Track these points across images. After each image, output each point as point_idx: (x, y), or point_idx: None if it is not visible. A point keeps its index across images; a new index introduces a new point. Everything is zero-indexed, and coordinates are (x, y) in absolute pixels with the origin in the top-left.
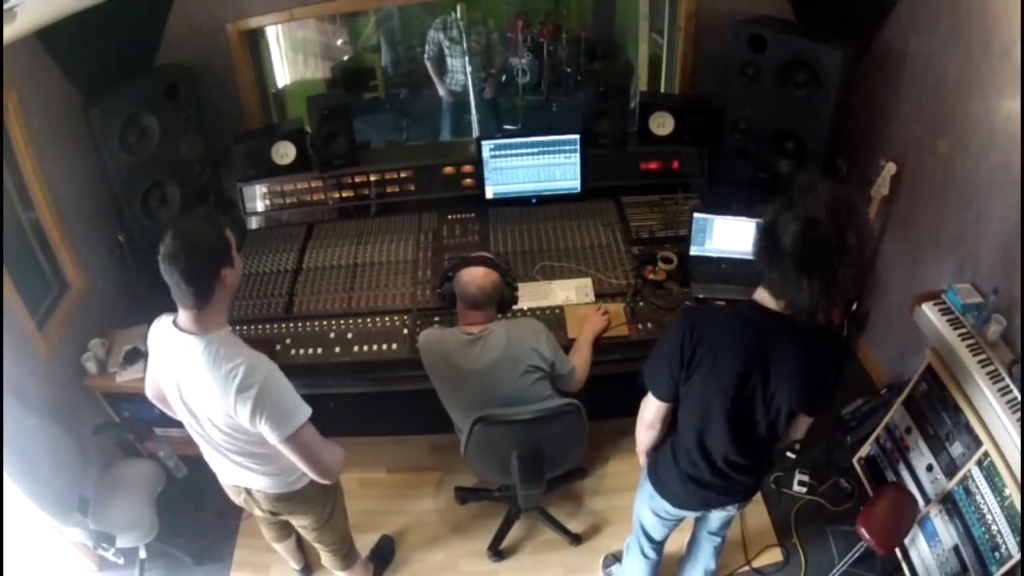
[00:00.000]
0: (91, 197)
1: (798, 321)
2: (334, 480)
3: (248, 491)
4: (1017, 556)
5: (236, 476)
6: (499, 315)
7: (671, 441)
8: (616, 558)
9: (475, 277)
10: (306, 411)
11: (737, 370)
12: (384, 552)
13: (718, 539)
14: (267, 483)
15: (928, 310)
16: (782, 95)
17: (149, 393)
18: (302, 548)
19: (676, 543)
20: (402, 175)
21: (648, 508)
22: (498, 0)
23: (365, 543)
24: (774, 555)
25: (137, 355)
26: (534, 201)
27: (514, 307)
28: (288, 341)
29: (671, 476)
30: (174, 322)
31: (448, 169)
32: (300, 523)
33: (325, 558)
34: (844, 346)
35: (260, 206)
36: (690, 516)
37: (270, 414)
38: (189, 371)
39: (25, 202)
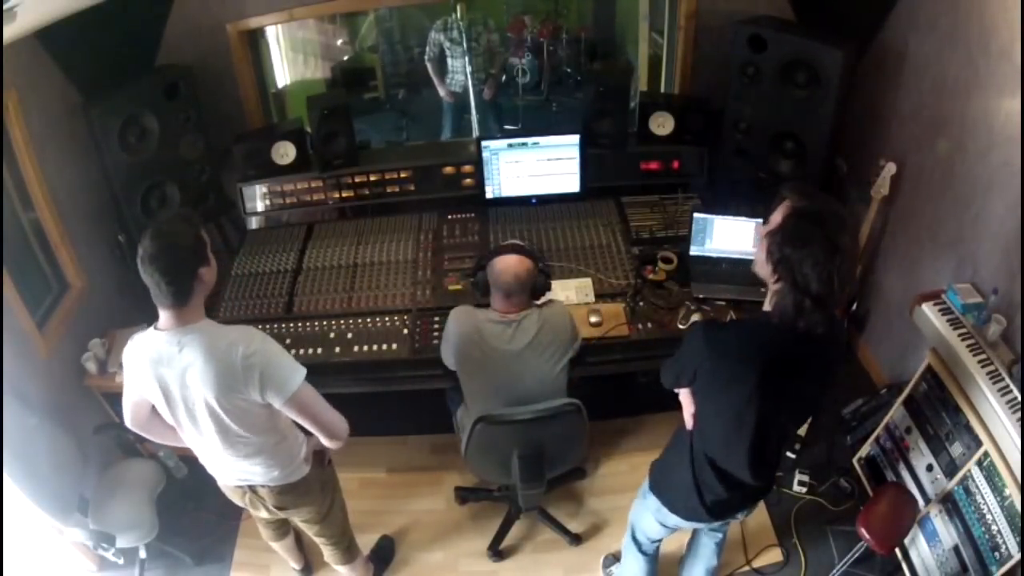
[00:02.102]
0: (91, 197)
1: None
2: (343, 441)
3: (252, 490)
4: (1017, 556)
5: (238, 473)
6: (532, 303)
7: (683, 464)
8: (616, 558)
9: (510, 265)
10: (302, 371)
11: (756, 402)
12: (384, 552)
13: (719, 535)
14: (268, 476)
15: (928, 310)
16: (782, 95)
17: (131, 420)
18: (302, 548)
19: (676, 542)
20: (402, 175)
21: (653, 519)
22: (498, 0)
23: (365, 543)
24: (774, 555)
25: None
26: (534, 201)
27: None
28: (288, 341)
29: (683, 496)
30: (155, 328)
31: (448, 169)
32: (302, 517)
33: (327, 553)
34: (843, 340)
35: (260, 206)
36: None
37: (272, 376)
38: (186, 365)
39: (25, 202)
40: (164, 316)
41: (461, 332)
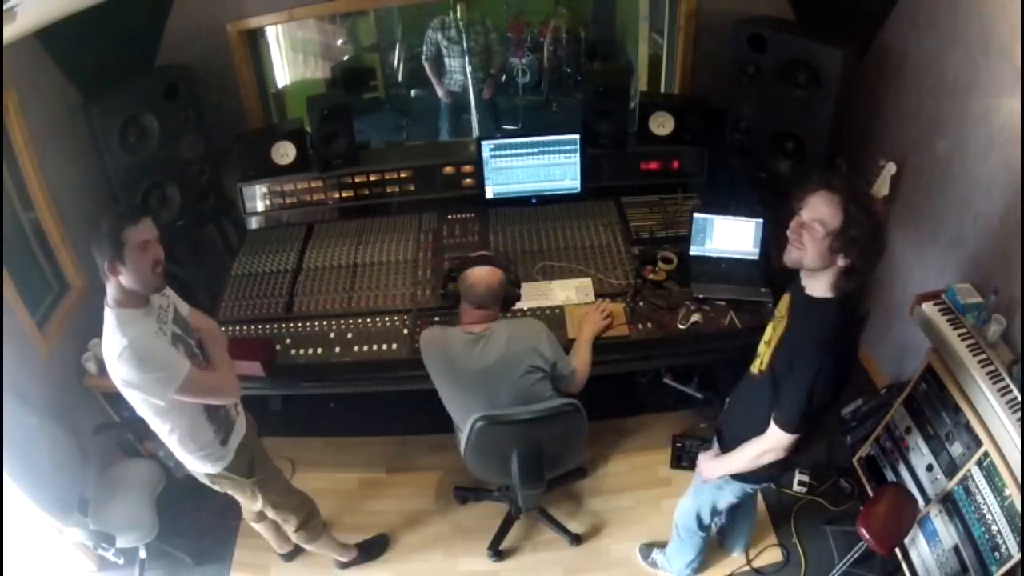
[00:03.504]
0: (91, 197)
1: None
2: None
3: None
4: (1017, 556)
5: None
6: (502, 314)
7: None
8: (651, 547)
9: (482, 277)
10: (180, 371)
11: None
12: (373, 547)
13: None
14: (178, 457)
15: (928, 310)
16: (782, 95)
17: None
18: (287, 538)
19: None
20: (402, 175)
21: (736, 496)
22: (497, 0)
23: None
24: (774, 555)
25: None
26: (534, 201)
27: (516, 306)
28: (288, 341)
29: (777, 466)
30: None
31: (448, 169)
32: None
33: (287, 531)
34: None
35: (260, 206)
36: None
37: (145, 380)
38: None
39: (25, 202)
40: None
41: (430, 360)
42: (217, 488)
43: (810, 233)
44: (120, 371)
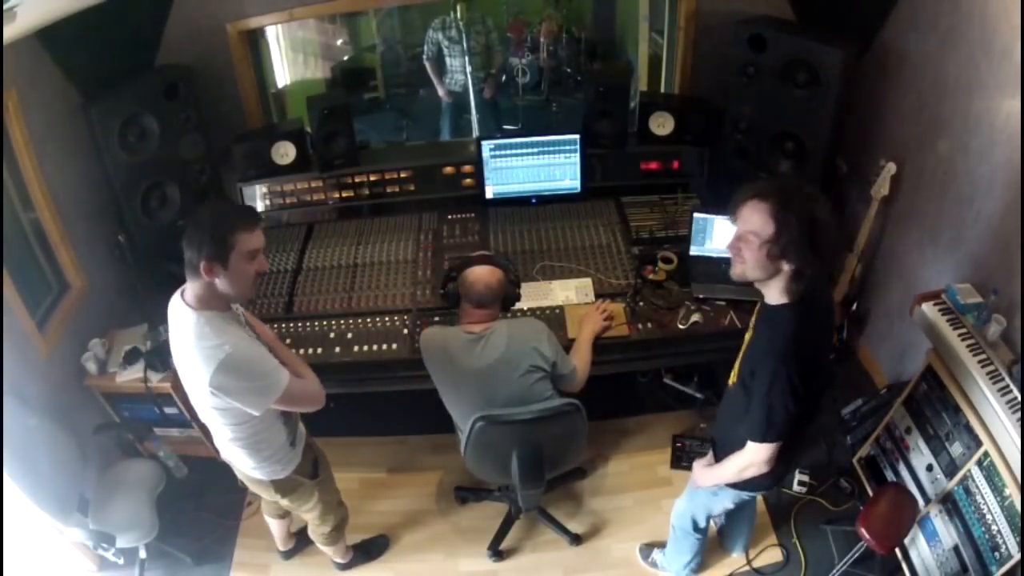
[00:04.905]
0: (91, 197)
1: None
2: (321, 403)
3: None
4: (1017, 556)
5: (226, 456)
6: (502, 313)
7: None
8: (651, 547)
9: (482, 276)
10: (281, 380)
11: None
12: (373, 547)
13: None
14: (242, 466)
15: (928, 310)
16: (782, 95)
17: None
18: (293, 535)
19: None
20: (402, 175)
21: (732, 502)
22: (498, 0)
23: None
24: (774, 555)
25: (137, 355)
26: (534, 201)
27: (516, 305)
28: (288, 341)
29: (772, 475)
30: (182, 294)
31: (448, 169)
32: (287, 506)
33: (311, 529)
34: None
35: (260, 206)
36: None
37: (245, 389)
38: (181, 342)
39: (25, 202)
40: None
41: (430, 359)
42: (277, 498)
43: (746, 245)
44: (216, 378)
